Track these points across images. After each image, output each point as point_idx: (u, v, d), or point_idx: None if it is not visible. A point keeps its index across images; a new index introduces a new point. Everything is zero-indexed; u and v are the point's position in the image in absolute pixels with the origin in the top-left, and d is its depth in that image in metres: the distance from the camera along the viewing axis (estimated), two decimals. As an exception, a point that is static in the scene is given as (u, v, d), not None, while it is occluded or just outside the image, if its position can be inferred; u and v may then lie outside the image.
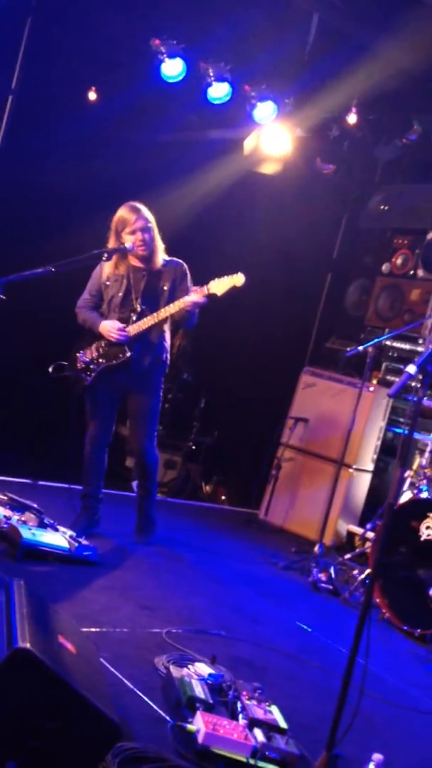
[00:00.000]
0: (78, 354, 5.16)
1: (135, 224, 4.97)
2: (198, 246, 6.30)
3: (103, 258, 4.91)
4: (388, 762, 2.72)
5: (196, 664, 3.39)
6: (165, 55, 6.37)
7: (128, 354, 5.03)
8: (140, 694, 3.16)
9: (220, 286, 4.94)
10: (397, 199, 7.79)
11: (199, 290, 4.96)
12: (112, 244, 5.04)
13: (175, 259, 5.21)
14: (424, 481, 5.41)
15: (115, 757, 2.54)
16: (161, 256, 5.13)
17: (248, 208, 7.93)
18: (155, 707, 3.09)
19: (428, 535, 4.98)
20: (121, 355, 5.05)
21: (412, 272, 7.50)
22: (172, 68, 6.44)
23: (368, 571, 5.46)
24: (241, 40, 6.40)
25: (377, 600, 5.06)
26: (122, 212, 5.03)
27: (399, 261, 7.67)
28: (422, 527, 5.02)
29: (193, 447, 7.90)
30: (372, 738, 3.35)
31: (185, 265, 5.21)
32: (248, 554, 6.02)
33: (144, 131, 7.15)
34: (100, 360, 5.09)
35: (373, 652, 4.22)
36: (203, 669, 3.33)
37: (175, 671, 3.26)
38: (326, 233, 8.40)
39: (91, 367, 5.11)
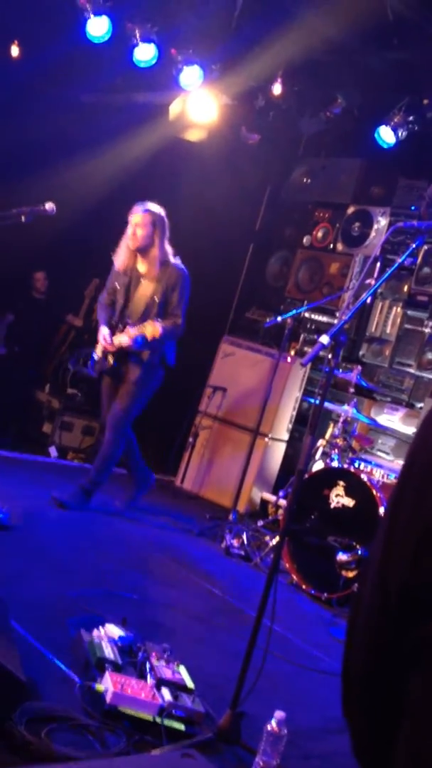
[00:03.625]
0: (96, 347, 5.53)
1: (133, 217, 5.26)
2: (120, 212, 6.22)
3: (22, 218, 4.81)
4: (289, 719, 2.81)
5: (107, 626, 3.42)
6: (91, 13, 6.23)
7: (112, 364, 5.40)
8: (50, 656, 3.17)
9: (141, 330, 5.20)
10: (320, 173, 7.87)
11: (128, 332, 5.29)
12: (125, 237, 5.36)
13: (178, 263, 5.42)
14: (336, 450, 5.55)
15: (22, 716, 2.55)
16: (164, 261, 5.34)
17: (172, 175, 7.87)
18: (64, 668, 3.12)
19: (337, 503, 5.13)
20: (107, 364, 5.43)
21: (331, 246, 7.61)
22: (98, 27, 6.31)
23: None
24: (168, 1, 6.31)
25: (287, 565, 5.19)
26: (135, 205, 5.34)
27: (320, 234, 7.76)
28: (332, 495, 5.16)
29: (111, 413, 7.88)
30: (275, 696, 3.46)
31: (181, 272, 5.39)
32: (163, 520, 6.07)
33: (68, 91, 7.01)
34: (99, 362, 5.48)
35: (280, 615, 4.34)
36: (113, 631, 3.36)
37: (85, 633, 3.28)
38: (250, 204, 8.43)
39: (95, 366, 5.53)
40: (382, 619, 0.96)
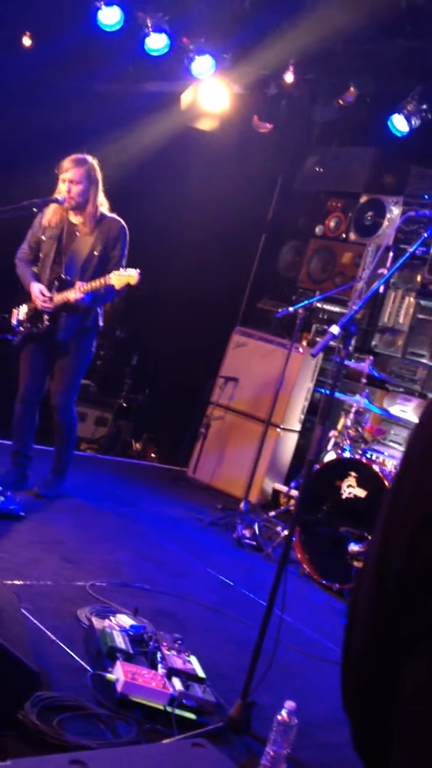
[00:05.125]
0: (14, 310, 5.11)
1: (66, 173, 4.90)
2: (132, 201, 6.22)
3: (34, 209, 4.83)
4: (299, 709, 2.82)
5: (118, 615, 3.44)
6: (102, 2, 6.22)
7: (46, 324, 5.01)
8: (61, 645, 3.20)
9: (120, 279, 4.79)
10: (333, 162, 7.83)
11: (79, 289, 4.87)
12: (57, 192, 4.96)
13: (114, 216, 5.09)
14: (348, 441, 5.54)
15: (34, 706, 2.58)
16: (100, 214, 5.02)
17: (184, 164, 7.86)
18: (76, 657, 3.14)
19: (349, 493, 5.12)
20: (40, 325, 5.03)
21: (344, 235, 7.58)
22: (110, 16, 6.30)
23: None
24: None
25: (298, 555, 5.19)
26: (65, 159, 4.95)
27: (332, 224, 7.73)
28: (344, 486, 5.15)
29: (124, 404, 7.90)
30: (286, 686, 3.47)
31: (121, 225, 5.07)
32: (175, 511, 6.09)
33: (80, 80, 6.99)
34: (26, 324, 5.09)
35: (292, 606, 4.35)
36: (125, 620, 3.38)
37: (97, 623, 3.30)
38: (261, 193, 8.40)
39: (21, 329, 5.10)
40: (379, 607, 0.96)
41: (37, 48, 6.82)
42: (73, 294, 4.87)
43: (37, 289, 4.99)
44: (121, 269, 4.82)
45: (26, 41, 6.86)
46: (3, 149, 6.52)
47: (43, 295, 4.97)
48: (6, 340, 5.10)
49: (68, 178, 4.90)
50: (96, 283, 4.84)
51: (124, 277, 4.77)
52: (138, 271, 4.79)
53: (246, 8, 6.33)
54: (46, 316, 5.00)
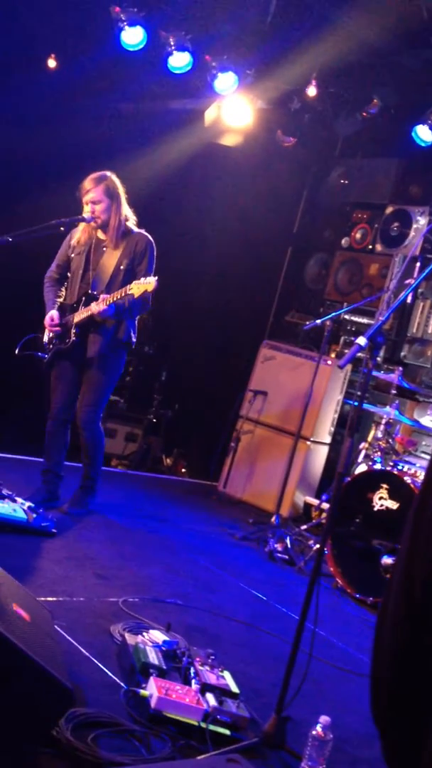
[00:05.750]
0: (46, 330, 5.19)
1: (86, 195, 4.96)
2: (158, 217, 6.27)
3: (61, 228, 4.88)
4: (335, 724, 2.80)
5: (151, 631, 3.44)
6: (125, 23, 6.29)
7: (72, 339, 5.03)
8: (95, 661, 3.20)
9: (138, 287, 4.80)
10: (357, 174, 7.84)
11: (102, 300, 4.90)
12: (83, 213, 5.03)
13: (141, 232, 5.12)
14: (379, 453, 5.51)
15: (68, 722, 2.58)
16: (126, 228, 5.06)
17: (209, 180, 7.92)
18: (110, 673, 3.14)
19: (381, 506, 5.09)
20: (67, 340, 5.06)
21: (370, 247, 7.56)
22: (133, 36, 6.37)
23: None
24: (202, 9, 6.34)
25: (331, 569, 5.16)
26: (84, 180, 5.00)
27: (358, 235, 7.72)
28: (376, 498, 5.12)
29: (154, 420, 7.92)
30: (320, 701, 3.45)
31: (148, 240, 5.09)
32: (206, 525, 6.09)
33: (104, 100, 7.08)
34: (55, 341, 5.13)
35: (325, 620, 4.34)
36: (158, 636, 3.38)
37: (129, 638, 3.31)
38: (286, 206, 8.42)
39: (50, 346, 5.14)
40: (407, 618, 0.96)
41: (62, 69, 6.92)
42: (96, 306, 4.89)
43: (47, 316, 5.08)
44: (141, 278, 4.85)
45: (51, 63, 6.96)
46: (30, 169, 6.62)
47: (52, 320, 5.05)
48: (38, 358, 5.15)
49: (89, 199, 4.96)
50: (117, 294, 4.85)
51: (142, 285, 4.78)
52: (155, 278, 4.81)
53: (268, 24, 6.38)
54: (73, 331, 5.02)
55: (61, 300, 5.17)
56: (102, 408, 5.23)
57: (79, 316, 5.01)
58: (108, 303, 4.86)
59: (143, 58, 6.63)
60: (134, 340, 5.21)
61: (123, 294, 4.83)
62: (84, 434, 5.17)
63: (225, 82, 6.70)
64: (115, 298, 4.86)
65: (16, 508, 4.55)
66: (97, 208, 4.95)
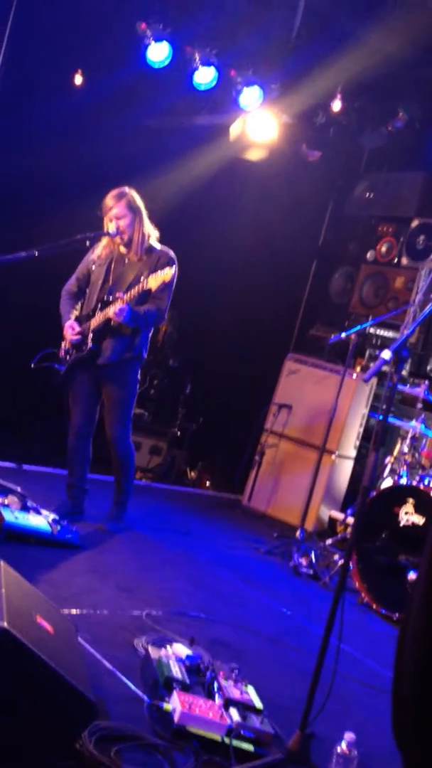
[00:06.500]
0: (62, 343, 5.19)
1: (110, 212, 4.97)
2: (183, 232, 6.29)
3: (87, 243, 4.91)
4: (359, 741, 2.77)
5: (175, 645, 3.43)
6: (151, 39, 6.35)
7: (90, 346, 5.02)
8: (118, 674, 3.20)
9: (156, 279, 4.81)
10: (383, 187, 7.82)
11: (120, 299, 4.90)
12: (105, 228, 5.04)
13: (165, 248, 5.11)
14: (405, 467, 5.46)
15: (92, 735, 2.58)
16: (148, 245, 5.06)
17: (234, 195, 7.94)
18: (133, 687, 3.13)
19: (407, 521, 5.04)
20: (84, 348, 5.05)
21: (396, 260, 7.54)
22: (158, 53, 6.43)
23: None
24: (227, 24, 6.39)
25: (356, 584, 5.12)
26: (106, 198, 5.02)
27: (384, 249, 7.70)
28: (402, 513, 5.08)
29: (179, 433, 7.94)
30: (345, 718, 3.41)
31: (170, 257, 5.07)
32: (230, 539, 6.07)
33: (129, 116, 7.13)
34: (72, 351, 5.11)
35: (350, 636, 4.29)
36: (181, 650, 3.37)
37: (153, 652, 3.30)
38: (312, 220, 8.42)
39: (67, 358, 5.13)
40: (429, 631, 0.94)
41: (88, 85, 6.99)
42: (113, 308, 4.87)
43: (67, 325, 5.08)
44: (158, 271, 4.83)
45: (78, 79, 7.04)
46: (56, 185, 6.67)
47: (73, 328, 5.04)
48: (56, 371, 5.18)
49: (113, 215, 4.95)
50: (135, 291, 4.84)
51: (159, 276, 4.78)
52: (174, 267, 4.82)
53: (293, 39, 6.41)
54: (90, 336, 5.00)
55: (77, 313, 5.19)
56: (129, 421, 5.22)
57: (96, 321, 4.99)
58: (125, 301, 4.85)
59: (169, 74, 6.68)
60: (145, 355, 5.19)
61: (140, 288, 4.81)
62: (116, 451, 5.17)
63: (250, 97, 6.73)
64: (132, 296, 4.85)
65: (41, 521, 4.56)
66: (122, 223, 4.95)
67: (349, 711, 3.54)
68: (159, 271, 4.81)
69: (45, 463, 6.24)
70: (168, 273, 4.79)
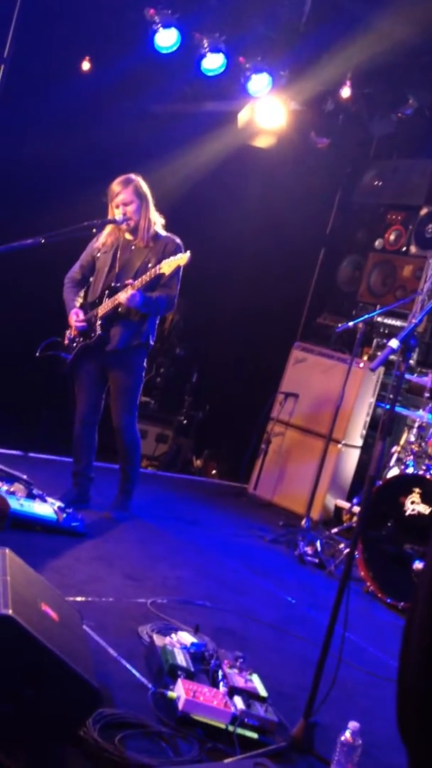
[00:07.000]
0: (66, 332, 5.17)
1: (117, 198, 4.94)
2: (190, 220, 6.27)
3: (93, 230, 4.89)
4: (364, 730, 2.77)
5: (179, 633, 3.43)
6: (159, 25, 6.32)
7: (98, 332, 4.99)
8: (123, 662, 3.20)
9: (170, 265, 4.78)
10: (391, 175, 7.76)
11: (130, 285, 4.86)
12: (110, 215, 5.02)
13: (170, 235, 5.08)
14: (411, 457, 5.45)
15: (96, 723, 2.58)
16: (154, 232, 5.03)
17: (242, 182, 7.90)
18: (137, 675, 3.14)
19: (413, 510, 5.03)
20: (93, 335, 5.02)
21: (404, 248, 7.50)
22: (167, 38, 6.40)
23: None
24: (235, 10, 6.34)
25: (362, 573, 5.12)
26: (112, 184, 5.00)
27: (392, 237, 7.66)
28: (408, 502, 5.07)
29: (185, 421, 7.93)
30: (350, 706, 3.42)
31: (177, 243, 5.04)
32: (236, 527, 6.07)
33: (137, 102, 7.11)
34: (78, 338, 5.09)
35: (356, 624, 4.30)
36: (186, 638, 3.37)
37: (158, 640, 3.30)
38: (320, 208, 8.37)
39: (73, 345, 5.11)
40: None
41: (96, 71, 6.96)
42: (124, 293, 4.83)
43: (72, 314, 5.05)
44: (171, 257, 4.80)
45: (85, 65, 7.01)
46: (64, 171, 6.66)
47: (78, 316, 5.02)
48: (62, 359, 5.15)
49: (120, 201, 4.92)
50: (146, 277, 4.81)
51: (173, 261, 4.76)
52: (188, 252, 4.79)
53: (302, 25, 6.36)
54: (99, 323, 4.98)
55: (80, 301, 5.16)
56: (135, 409, 5.20)
57: (104, 309, 4.96)
58: (136, 287, 4.82)
59: (177, 60, 6.65)
60: (152, 342, 5.16)
61: (153, 274, 4.79)
62: (123, 438, 5.16)
63: (259, 83, 6.69)
64: (143, 282, 4.82)
65: (47, 508, 4.57)
66: (128, 209, 4.93)
67: (353, 699, 3.54)
68: (172, 257, 4.79)
69: (51, 450, 6.25)
70: (183, 258, 4.78)
